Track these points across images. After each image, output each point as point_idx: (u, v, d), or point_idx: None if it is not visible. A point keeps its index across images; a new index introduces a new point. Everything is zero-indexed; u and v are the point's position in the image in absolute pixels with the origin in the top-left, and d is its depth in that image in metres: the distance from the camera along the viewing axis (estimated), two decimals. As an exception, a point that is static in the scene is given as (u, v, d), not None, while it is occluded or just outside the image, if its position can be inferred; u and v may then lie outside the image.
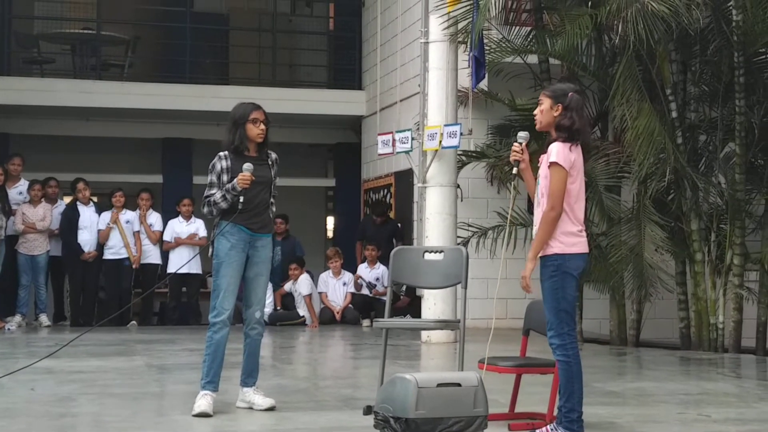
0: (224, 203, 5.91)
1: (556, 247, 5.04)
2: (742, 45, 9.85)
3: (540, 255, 5.09)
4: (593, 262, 10.14)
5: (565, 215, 5.05)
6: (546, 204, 5.04)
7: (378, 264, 13.26)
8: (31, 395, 6.57)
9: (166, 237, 12.80)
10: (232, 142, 5.97)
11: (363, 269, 13.42)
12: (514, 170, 5.28)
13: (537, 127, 5.24)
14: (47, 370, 7.57)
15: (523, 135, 5.30)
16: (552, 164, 5.02)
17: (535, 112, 5.22)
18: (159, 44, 16.73)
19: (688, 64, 10.59)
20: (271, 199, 6.11)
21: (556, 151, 5.02)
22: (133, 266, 12.41)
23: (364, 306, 13.14)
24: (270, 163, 6.08)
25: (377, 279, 13.21)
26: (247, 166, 5.86)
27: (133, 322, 12.49)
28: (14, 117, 15.11)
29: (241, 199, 5.86)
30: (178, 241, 12.76)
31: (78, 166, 14.42)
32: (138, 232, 12.56)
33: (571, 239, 5.04)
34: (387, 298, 6.21)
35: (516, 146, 5.24)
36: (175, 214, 13.05)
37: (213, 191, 5.95)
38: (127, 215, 12.56)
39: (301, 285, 13.01)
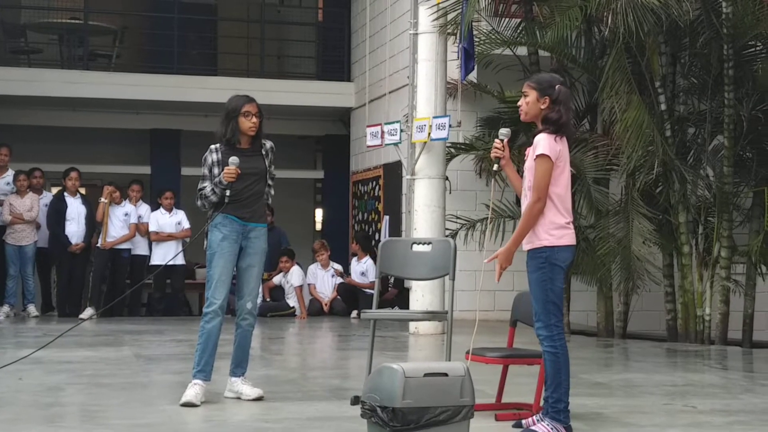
0: (213, 196, 5.97)
1: (545, 240, 5.03)
2: (732, 37, 9.87)
3: (529, 248, 5.09)
4: (581, 255, 10.17)
5: (553, 207, 5.04)
6: (531, 195, 5.03)
7: (366, 257, 13.29)
8: (18, 385, 6.56)
9: (151, 228, 12.79)
10: (225, 134, 6.00)
11: (353, 263, 13.57)
12: (495, 167, 5.27)
13: (522, 118, 5.21)
14: (35, 360, 7.55)
15: (504, 132, 5.28)
16: (539, 156, 5.00)
17: (520, 102, 5.18)
18: (146, 34, 16.68)
19: (677, 57, 10.61)
20: (269, 189, 6.13)
21: (543, 143, 5.00)
22: (99, 245, 12.34)
23: (348, 297, 13.14)
24: (264, 153, 6.10)
25: (363, 273, 13.24)
26: (233, 159, 5.90)
27: (90, 309, 12.16)
28: (1, 107, 15.05)
29: (228, 192, 5.89)
30: (161, 237, 12.73)
31: (65, 156, 14.38)
32: (134, 224, 12.57)
33: (560, 231, 5.04)
34: (375, 290, 6.22)
35: (497, 143, 5.22)
36: (159, 206, 13.05)
37: (205, 184, 6.00)
38: (126, 207, 12.56)
39: (293, 276, 13.06)
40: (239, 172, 5.90)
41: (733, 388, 7.09)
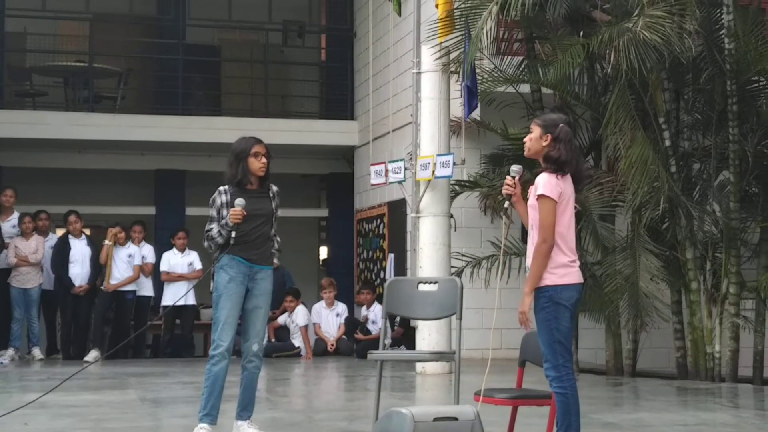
0: (220, 238, 5.96)
1: (547, 279, 5.02)
2: (735, 73, 9.87)
3: None
4: (588, 292, 10.11)
5: (556, 247, 5.04)
6: (537, 236, 5.03)
7: (374, 304, 13.20)
8: (24, 430, 6.51)
9: (162, 269, 12.78)
10: (235, 175, 6.00)
11: (363, 311, 13.51)
12: (506, 204, 5.26)
13: (525, 153, 5.25)
14: (40, 404, 7.49)
15: (515, 168, 5.28)
16: (540, 196, 5.03)
17: (525, 139, 5.24)
18: (151, 76, 16.74)
19: (680, 93, 10.60)
20: (272, 231, 6.12)
21: (543, 182, 5.04)
22: (103, 287, 12.28)
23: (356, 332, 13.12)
24: (271, 195, 6.11)
25: (373, 321, 13.14)
26: (239, 201, 5.91)
27: (94, 352, 12.03)
28: (7, 150, 15.08)
29: (233, 234, 5.88)
30: (172, 277, 12.73)
31: (71, 198, 14.39)
32: (138, 265, 12.52)
33: (562, 270, 5.03)
34: (381, 330, 6.17)
35: (509, 180, 5.22)
36: (169, 246, 13.05)
37: (212, 225, 5.98)
38: (130, 249, 12.52)
39: (298, 316, 13.00)
40: (245, 213, 5.90)
41: (746, 427, 7.01)
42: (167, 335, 12.96)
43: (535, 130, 5.15)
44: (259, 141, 6.08)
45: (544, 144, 5.10)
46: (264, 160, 6.04)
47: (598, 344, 11.44)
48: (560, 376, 5.01)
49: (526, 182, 5.33)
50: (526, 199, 5.23)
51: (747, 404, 8.71)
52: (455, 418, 4.39)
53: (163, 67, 16.31)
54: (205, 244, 6.06)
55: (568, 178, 5.10)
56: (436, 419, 4.35)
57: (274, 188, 6.17)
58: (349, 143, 15.72)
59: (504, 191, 5.22)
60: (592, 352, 12.01)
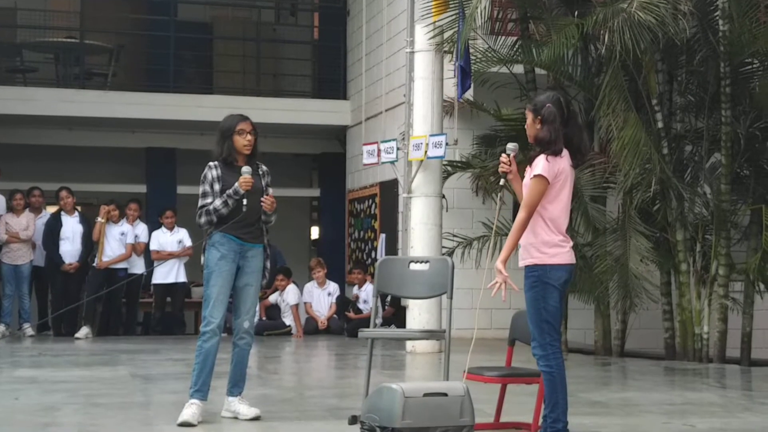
0: (225, 209, 5.93)
1: (536, 258, 5.04)
2: (729, 55, 9.88)
3: (523, 264, 5.09)
4: (578, 273, 10.14)
5: (546, 226, 5.05)
6: (520, 210, 5.05)
7: (366, 284, 13.21)
8: (15, 405, 6.52)
9: (152, 247, 12.77)
10: (221, 153, 5.99)
11: (354, 290, 13.52)
12: (501, 181, 5.27)
13: (529, 140, 5.26)
14: (31, 379, 7.52)
15: (511, 147, 5.29)
16: (535, 176, 5.04)
17: (526, 125, 5.25)
18: (142, 53, 16.66)
19: (674, 74, 10.61)
20: (268, 218, 6.10)
21: (539, 164, 5.05)
22: (95, 264, 12.27)
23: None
24: (261, 173, 6.10)
25: (365, 301, 13.15)
26: (246, 169, 5.94)
27: (86, 328, 12.03)
28: (-3, 126, 15.05)
29: (245, 201, 5.88)
30: (162, 256, 12.71)
31: (61, 175, 14.33)
32: (131, 244, 12.49)
33: (552, 250, 5.04)
34: (372, 309, 6.19)
35: (504, 158, 5.23)
36: (159, 225, 13.04)
37: (208, 200, 5.95)
38: (123, 227, 12.48)
39: (288, 295, 13.02)
40: (254, 180, 5.90)
41: (732, 407, 7.06)
42: (158, 313, 12.98)
43: (528, 115, 5.17)
44: (245, 118, 6.05)
45: (537, 128, 5.11)
46: (249, 137, 6.01)
47: (588, 324, 11.49)
48: (547, 355, 5.04)
49: (519, 163, 5.33)
50: (523, 177, 5.23)
51: (734, 384, 8.76)
52: (445, 394, 4.42)
53: (155, 45, 16.23)
54: (203, 220, 5.97)
55: (565, 157, 5.11)
56: (426, 395, 4.38)
57: (264, 167, 6.16)
58: (341, 123, 15.69)
59: (500, 169, 5.24)
60: (582, 332, 12.07)
